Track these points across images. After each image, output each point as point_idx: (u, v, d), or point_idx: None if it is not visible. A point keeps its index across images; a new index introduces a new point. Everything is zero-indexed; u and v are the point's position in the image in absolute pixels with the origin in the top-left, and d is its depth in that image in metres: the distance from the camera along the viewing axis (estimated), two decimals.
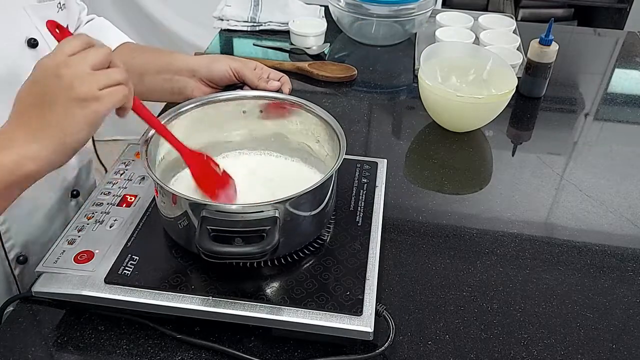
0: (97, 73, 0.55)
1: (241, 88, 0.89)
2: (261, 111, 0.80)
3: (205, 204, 0.61)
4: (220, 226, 0.60)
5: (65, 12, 0.80)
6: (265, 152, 0.81)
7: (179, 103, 0.77)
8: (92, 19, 0.95)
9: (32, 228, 0.78)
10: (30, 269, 0.78)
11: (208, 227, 0.59)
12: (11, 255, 0.76)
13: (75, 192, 0.86)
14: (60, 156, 0.55)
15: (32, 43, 0.71)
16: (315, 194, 0.65)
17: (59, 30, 0.61)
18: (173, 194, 0.63)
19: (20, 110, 0.56)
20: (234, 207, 0.61)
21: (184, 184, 0.75)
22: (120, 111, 0.60)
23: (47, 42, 0.74)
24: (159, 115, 0.76)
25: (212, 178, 0.71)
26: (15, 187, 0.56)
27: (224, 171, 0.71)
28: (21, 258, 0.77)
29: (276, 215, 0.61)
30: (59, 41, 0.59)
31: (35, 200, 0.77)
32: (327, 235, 0.72)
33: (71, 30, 0.82)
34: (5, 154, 0.53)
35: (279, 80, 0.90)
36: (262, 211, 0.61)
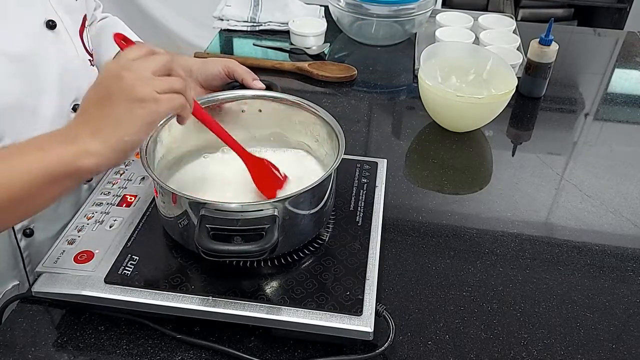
0: (157, 78, 0.58)
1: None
2: (260, 111, 0.80)
3: (205, 203, 0.61)
4: (220, 225, 0.60)
5: (82, 2, 0.82)
6: (265, 151, 0.81)
7: None
8: (105, 17, 0.97)
9: None
10: (35, 243, 0.79)
11: (207, 225, 0.59)
12: (17, 226, 0.76)
13: None
14: (117, 154, 0.57)
15: (51, 25, 0.74)
16: (314, 192, 0.66)
17: (125, 42, 0.64)
18: (173, 193, 0.63)
19: (84, 108, 0.58)
20: (232, 205, 0.62)
21: (184, 183, 0.75)
22: (179, 119, 0.63)
23: (65, 25, 0.76)
24: None
25: (272, 181, 0.73)
26: (69, 180, 0.57)
27: (284, 174, 0.74)
28: (27, 231, 0.78)
29: (275, 213, 0.61)
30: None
31: None
32: (327, 235, 0.72)
33: (85, 25, 0.84)
34: (67, 147, 0.55)
35: None
36: (261, 210, 0.61)
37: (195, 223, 0.61)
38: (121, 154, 0.57)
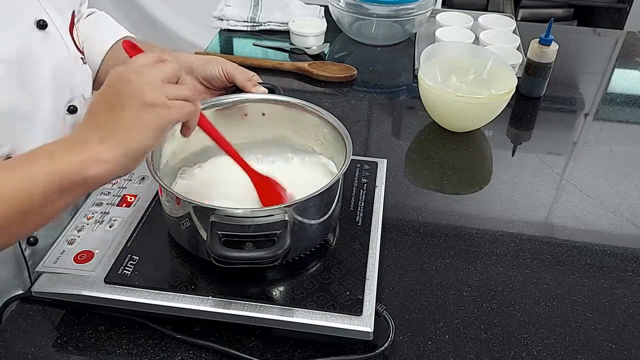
0: (168, 85, 0.57)
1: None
2: (263, 114, 0.80)
3: (215, 209, 0.60)
4: (231, 231, 0.59)
5: None
6: (268, 155, 0.81)
7: None
8: (92, 12, 0.96)
9: None
10: (39, 251, 0.78)
11: (218, 232, 0.58)
12: None
13: None
14: (126, 162, 0.55)
15: (41, 25, 0.72)
16: (324, 197, 0.65)
17: (133, 49, 0.64)
18: (177, 197, 0.62)
19: (92, 113, 0.57)
20: (241, 211, 0.61)
21: (189, 186, 0.75)
22: (185, 129, 0.61)
23: (55, 25, 0.74)
24: None
25: (277, 198, 0.72)
26: (79, 189, 0.55)
27: (288, 193, 0.73)
28: (31, 239, 0.77)
29: (286, 218, 0.60)
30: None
31: None
32: (328, 236, 0.72)
33: (74, 22, 0.83)
34: (75, 154, 0.54)
35: None
36: (271, 215, 0.60)
37: (199, 226, 0.60)
38: (131, 160, 0.55)
